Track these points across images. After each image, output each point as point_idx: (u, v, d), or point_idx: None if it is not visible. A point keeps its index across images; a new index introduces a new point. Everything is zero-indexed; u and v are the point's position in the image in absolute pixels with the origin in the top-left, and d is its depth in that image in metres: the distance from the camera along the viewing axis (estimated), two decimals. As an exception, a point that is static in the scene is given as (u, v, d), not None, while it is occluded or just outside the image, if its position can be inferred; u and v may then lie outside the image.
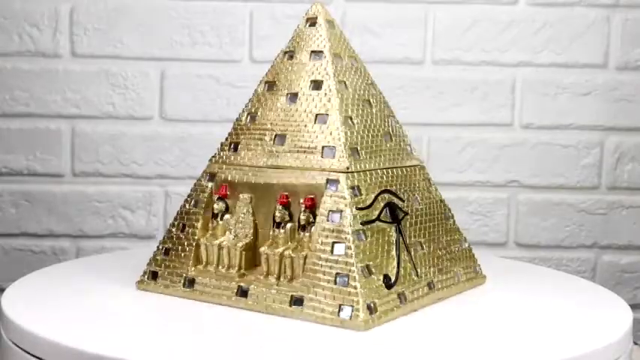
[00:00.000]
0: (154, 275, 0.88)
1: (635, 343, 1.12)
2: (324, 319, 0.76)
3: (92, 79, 1.34)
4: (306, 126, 0.85)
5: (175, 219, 0.90)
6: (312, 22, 0.90)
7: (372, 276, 0.78)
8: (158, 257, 0.89)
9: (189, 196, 0.90)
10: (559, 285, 0.98)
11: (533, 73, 1.36)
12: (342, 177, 0.81)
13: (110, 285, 0.90)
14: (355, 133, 0.84)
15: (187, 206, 0.89)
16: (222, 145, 0.90)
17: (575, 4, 1.36)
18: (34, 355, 0.72)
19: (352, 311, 0.75)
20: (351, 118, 0.85)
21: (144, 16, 1.34)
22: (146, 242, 1.36)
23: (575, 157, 1.38)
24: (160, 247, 0.89)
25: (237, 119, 0.90)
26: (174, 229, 0.89)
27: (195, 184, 0.90)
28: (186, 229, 0.88)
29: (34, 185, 1.35)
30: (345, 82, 0.87)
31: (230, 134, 0.90)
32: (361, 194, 0.81)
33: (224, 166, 0.88)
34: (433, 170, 1.37)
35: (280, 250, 0.82)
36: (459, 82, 1.36)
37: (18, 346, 0.74)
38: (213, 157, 0.90)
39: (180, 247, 0.88)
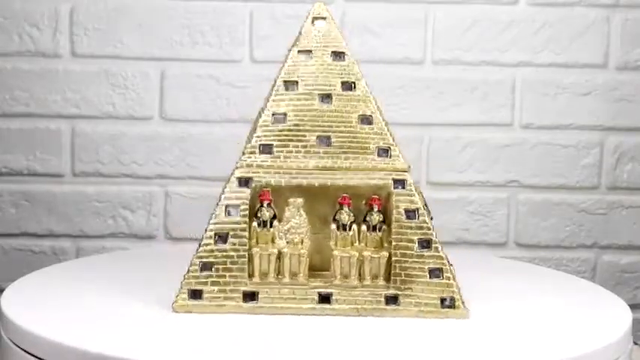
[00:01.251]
0: (197, 294, 0.81)
1: (635, 343, 1.12)
2: (425, 312, 0.82)
3: (92, 79, 1.34)
4: (352, 127, 0.86)
5: (209, 230, 0.83)
6: (320, 21, 0.90)
7: (452, 267, 0.84)
8: (197, 274, 0.81)
9: (223, 204, 0.83)
10: (559, 285, 0.98)
11: (533, 73, 1.36)
12: (407, 176, 0.85)
13: (110, 285, 0.90)
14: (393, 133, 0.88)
15: (224, 215, 0.83)
16: (248, 147, 0.85)
17: (575, 4, 1.36)
18: (33, 355, 0.72)
19: (454, 301, 0.82)
20: (384, 119, 0.88)
21: (144, 16, 1.34)
22: (146, 242, 1.36)
23: (575, 157, 1.37)
24: (197, 263, 0.82)
25: (260, 119, 0.87)
26: (211, 242, 0.82)
27: (226, 191, 0.84)
28: (231, 239, 0.82)
29: (34, 185, 1.35)
30: (367, 83, 0.89)
31: (257, 136, 0.85)
32: (418, 192, 0.86)
33: (261, 171, 0.84)
34: (433, 170, 1.37)
35: (356, 252, 0.83)
36: (459, 82, 1.36)
37: (18, 346, 0.74)
38: (242, 160, 0.85)
39: (228, 261, 0.82)
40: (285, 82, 0.87)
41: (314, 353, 0.72)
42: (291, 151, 0.85)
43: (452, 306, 0.82)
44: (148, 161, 1.35)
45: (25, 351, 0.73)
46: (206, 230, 0.82)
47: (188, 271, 0.82)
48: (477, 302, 0.87)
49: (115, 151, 1.35)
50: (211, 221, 0.82)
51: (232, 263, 0.81)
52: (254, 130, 0.86)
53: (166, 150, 1.35)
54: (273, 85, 0.88)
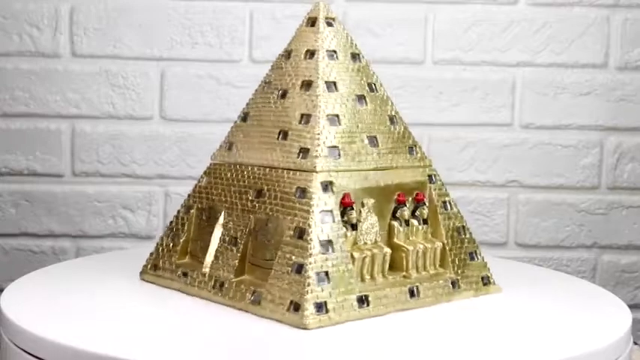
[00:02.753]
0: (321, 307, 0.76)
1: (635, 343, 1.12)
2: (477, 291, 0.90)
3: (92, 79, 1.34)
4: (387, 128, 0.89)
5: (313, 239, 0.77)
6: (329, 21, 0.90)
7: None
8: (314, 286, 0.75)
9: (318, 211, 0.79)
10: (559, 285, 0.98)
11: (533, 73, 1.36)
12: (435, 171, 0.92)
13: (110, 285, 0.90)
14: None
15: (321, 222, 0.78)
16: (316, 151, 0.81)
17: (575, 4, 1.36)
18: (33, 355, 0.72)
19: (489, 279, 0.92)
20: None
21: (144, 16, 1.34)
22: (146, 242, 1.36)
23: (575, 157, 1.38)
24: (313, 275, 0.76)
25: (332, 121, 0.84)
26: (319, 251, 0.77)
27: (315, 197, 0.79)
28: (336, 246, 0.78)
29: (34, 185, 1.35)
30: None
31: (325, 138, 0.82)
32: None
33: (337, 174, 0.82)
34: (433, 170, 1.37)
35: (423, 245, 0.87)
36: (459, 82, 1.36)
37: (17, 346, 0.74)
38: (318, 164, 0.80)
39: (340, 268, 0.78)
40: (326, 82, 0.86)
41: (438, 343, 0.74)
42: (354, 153, 0.84)
43: (488, 283, 0.91)
44: (148, 161, 1.35)
45: (25, 351, 0.73)
46: (309, 240, 0.77)
47: (307, 284, 0.76)
48: (477, 302, 0.87)
49: (115, 151, 1.35)
50: (311, 230, 0.78)
51: (344, 271, 0.78)
52: (314, 132, 0.83)
53: (166, 150, 1.35)
54: (310, 86, 0.85)
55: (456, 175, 1.37)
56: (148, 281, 0.91)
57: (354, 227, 0.82)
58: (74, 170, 1.35)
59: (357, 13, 1.34)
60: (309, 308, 0.75)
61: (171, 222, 0.93)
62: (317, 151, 0.82)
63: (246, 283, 0.82)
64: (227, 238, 0.86)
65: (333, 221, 0.79)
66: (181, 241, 0.91)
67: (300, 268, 0.76)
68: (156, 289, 0.89)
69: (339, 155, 0.83)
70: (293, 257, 0.78)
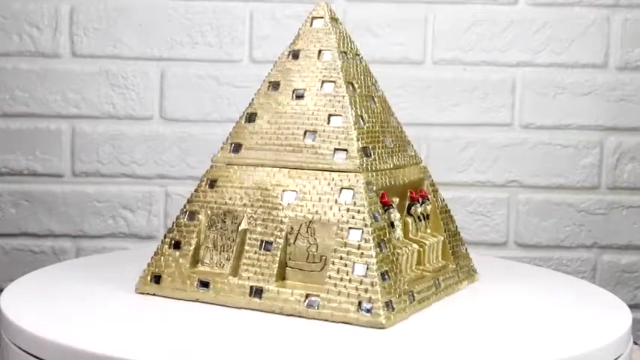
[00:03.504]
0: (388, 305, 0.76)
1: (635, 343, 1.12)
2: (468, 281, 0.95)
3: (92, 79, 1.34)
4: (392, 127, 0.91)
5: (370, 240, 0.77)
6: (333, 21, 0.90)
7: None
8: (380, 285, 0.76)
9: (367, 210, 0.79)
10: (559, 285, 0.98)
11: (533, 73, 1.36)
12: (426, 168, 0.96)
13: (110, 285, 0.90)
14: None
15: (373, 221, 0.79)
16: (353, 150, 0.82)
17: (575, 4, 1.36)
18: (33, 355, 0.72)
19: (474, 268, 0.98)
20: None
21: (144, 16, 1.34)
22: (146, 242, 1.36)
23: (575, 157, 1.38)
24: (378, 275, 0.76)
25: (359, 121, 0.84)
26: (375, 251, 0.77)
27: (357, 198, 0.79)
28: (388, 245, 0.80)
29: (34, 185, 1.35)
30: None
31: (358, 138, 0.82)
32: None
33: (375, 174, 0.83)
34: (433, 170, 1.37)
35: (432, 239, 0.90)
36: (459, 82, 1.36)
37: (18, 346, 0.74)
38: (359, 165, 0.81)
39: (393, 266, 0.79)
40: (347, 83, 0.86)
41: (438, 343, 0.74)
42: (379, 153, 0.85)
43: (474, 272, 0.97)
44: (148, 161, 1.35)
45: (24, 351, 0.73)
46: (366, 240, 0.78)
47: (374, 284, 0.76)
48: (476, 302, 0.87)
49: (115, 151, 1.35)
50: (366, 230, 0.78)
51: (396, 268, 0.79)
52: (348, 133, 0.83)
53: (166, 150, 1.35)
54: (332, 86, 0.85)
55: (456, 175, 1.37)
56: (148, 294, 0.85)
57: (391, 225, 0.84)
58: (74, 170, 1.35)
59: (357, 13, 1.34)
60: (381, 307, 0.75)
61: (170, 230, 0.87)
62: (354, 151, 0.82)
63: (291, 287, 0.80)
64: (257, 243, 0.82)
65: (381, 220, 0.80)
66: (192, 249, 0.85)
67: (361, 269, 0.77)
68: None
69: (370, 155, 0.83)
70: (351, 258, 0.77)
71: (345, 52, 0.88)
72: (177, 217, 0.88)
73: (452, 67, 1.36)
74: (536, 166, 1.37)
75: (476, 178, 1.37)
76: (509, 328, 0.79)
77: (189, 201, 0.88)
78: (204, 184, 0.87)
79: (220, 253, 0.85)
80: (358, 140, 0.82)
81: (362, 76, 0.89)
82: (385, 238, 0.79)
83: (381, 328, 0.75)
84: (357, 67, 0.89)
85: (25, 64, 1.34)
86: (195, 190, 0.88)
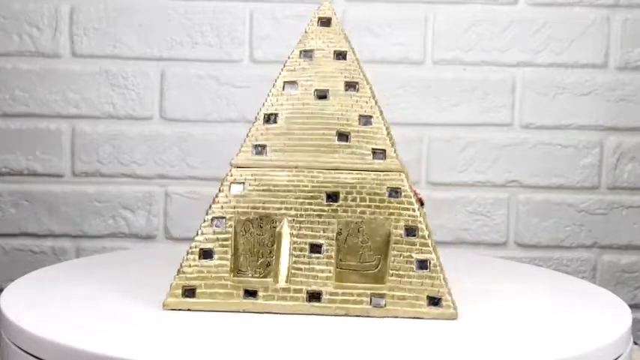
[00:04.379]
0: (450, 296, 0.80)
1: (635, 343, 1.12)
2: None
3: (92, 79, 1.34)
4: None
5: (425, 237, 0.82)
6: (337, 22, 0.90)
7: None
8: (445, 279, 0.80)
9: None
10: (559, 285, 0.98)
11: (533, 73, 1.36)
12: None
13: (110, 285, 0.90)
14: None
15: (423, 219, 0.83)
16: (395, 149, 0.85)
17: (575, 4, 1.36)
18: (33, 355, 0.72)
19: None
20: None
21: (144, 16, 1.34)
22: (146, 242, 1.36)
23: (575, 157, 1.37)
24: (441, 270, 0.81)
25: (385, 122, 0.86)
26: (430, 240, 0.82)
27: (406, 196, 0.83)
28: (432, 238, 0.84)
29: (34, 185, 1.35)
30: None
31: (389, 139, 0.86)
32: None
33: (401, 175, 0.85)
34: (433, 170, 1.37)
35: None
36: (459, 82, 1.36)
37: (18, 346, 0.74)
38: (401, 164, 0.85)
39: (439, 260, 0.83)
40: (369, 84, 0.88)
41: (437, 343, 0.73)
42: (396, 152, 0.86)
43: None
44: (148, 161, 1.35)
45: (24, 351, 0.73)
46: (425, 237, 0.81)
47: (441, 278, 0.80)
48: (477, 302, 0.87)
49: (115, 151, 1.35)
50: (421, 226, 0.82)
51: (438, 265, 0.82)
52: (382, 133, 0.85)
53: (166, 150, 1.35)
54: (356, 87, 0.87)
55: (456, 175, 1.37)
56: (180, 309, 0.80)
57: None
58: (74, 170, 1.35)
59: (357, 13, 1.34)
60: (450, 299, 0.79)
61: (195, 239, 0.83)
62: (393, 151, 0.84)
63: (352, 288, 0.81)
64: (307, 247, 0.82)
65: (424, 216, 0.84)
66: (229, 257, 0.82)
67: (424, 264, 0.80)
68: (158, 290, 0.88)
69: (398, 155, 0.86)
70: (412, 254, 0.80)
71: (354, 52, 0.89)
72: (203, 225, 0.83)
73: (452, 67, 1.36)
74: (536, 166, 1.37)
75: (476, 178, 1.37)
76: (509, 327, 0.79)
77: (213, 206, 0.84)
78: (227, 188, 0.84)
79: (258, 260, 0.82)
80: (390, 140, 0.85)
81: (360, 77, 0.89)
82: (431, 233, 0.83)
83: (452, 319, 0.79)
84: (356, 67, 0.89)
85: (25, 64, 1.34)
86: (218, 195, 0.84)
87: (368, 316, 0.79)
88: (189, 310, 0.80)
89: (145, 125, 1.35)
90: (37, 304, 0.82)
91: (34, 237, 1.36)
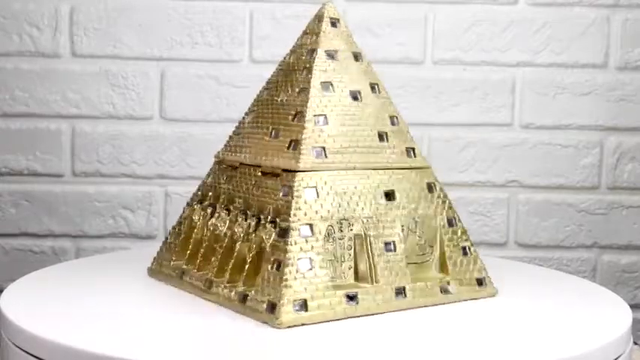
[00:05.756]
0: (482, 282, 0.89)
1: (635, 343, 1.12)
2: None
3: (92, 79, 1.34)
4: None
5: (460, 226, 0.89)
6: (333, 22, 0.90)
7: None
8: (480, 260, 0.89)
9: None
10: (559, 285, 0.98)
11: (533, 73, 1.36)
12: None
13: (110, 285, 0.90)
14: None
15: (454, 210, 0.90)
16: (415, 148, 0.89)
17: (575, 4, 1.36)
18: (33, 355, 0.72)
19: None
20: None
21: (144, 16, 1.34)
22: (146, 242, 1.36)
23: (575, 157, 1.38)
24: (475, 252, 0.90)
25: (399, 124, 0.89)
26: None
27: (440, 190, 0.89)
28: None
29: (34, 185, 1.35)
30: None
31: (409, 139, 0.89)
32: None
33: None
34: (433, 170, 1.37)
35: None
36: (459, 82, 1.36)
37: (17, 346, 0.74)
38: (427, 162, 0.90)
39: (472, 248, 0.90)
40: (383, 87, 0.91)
41: (437, 343, 0.72)
42: None
43: None
44: (148, 161, 1.35)
45: (25, 351, 0.73)
46: (460, 226, 0.89)
47: (477, 260, 0.89)
48: (477, 302, 0.87)
49: (115, 151, 1.35)
50: (455, 215, 0.89)
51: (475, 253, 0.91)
52: (409, 133, 0.90)
53: (166, 150, 1.35)
54: (376, 89, 0.88)
55: (456, 175, 1.37)
56: (295, 326, 0.74)
57: None
58: (74, 170, 1.35)
59: (357, 13, 1.34)
60: (490, 278, 0.90)
61: (288, 252, 0.76)
62: (418, 150, 0.90)
63: (424, 280, 0.85)
64: (382, 246, 0.82)
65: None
66: (327, 264, 0.78)
67: (467, 250, 0.89)
68: (159, 289, 0.88)
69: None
70: (458, 243, 0.88)
71: (359, 54, 0.91)
72: (289, 234, 0.77)
73: (452, 67, 1.36)
74: (536, 166, 1.37)
75: (476, 178, 1.37)
76: (509, 327, 0.79)
77: (289, 213, 0.78)
78: (299, 192, 0.79)
79: (342, 264, 0.80)
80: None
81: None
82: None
83: (493, 296, 0.89)
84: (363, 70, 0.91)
85: (25, 64, 1.34)
86: (291, 202, 0.79)
87: (441, 304, 0.84)
88: (303, 324, 0.75)
89: (145, 125, 1.35)
90: (37, 304, 0.82)
91: (34, 237, 1.36)
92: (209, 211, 0.89)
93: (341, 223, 0.80)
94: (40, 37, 1.33)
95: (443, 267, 0.87)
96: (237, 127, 0.93)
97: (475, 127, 1.37)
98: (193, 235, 0.89)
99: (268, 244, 0.78)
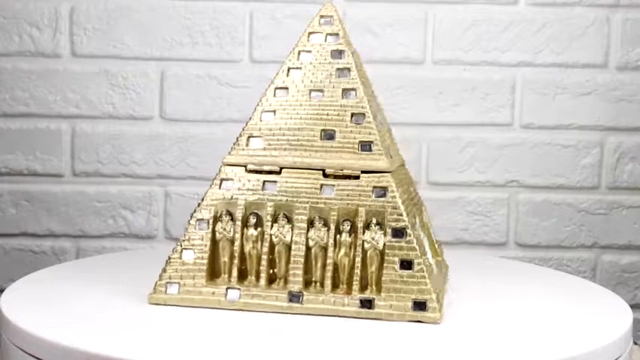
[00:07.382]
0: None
1: (635, 343, 1.12)
2: None
3: (92, 79, 1.34)
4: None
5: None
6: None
7: None
8: None
9: None
10: (559, 285, 0.98)
11: (533, 73, 1.36)
12: None
13: (110, 285, 0.90)
14: None
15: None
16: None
17: (575, 4, 1.36)
18: (33, 356, 0.72)
19: None
20: None
21: (144, 16, 1.34)
22: (146, 242, 1.36)
23: (575, 157, 1.37)
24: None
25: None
26: None
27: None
28: None
29: (34, 185, 1.35)
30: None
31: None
32: None
33: None
34: (433, 170, 1.37)
35: None
36: (459, 82, 1.36)
37: (17, 347, 0.74)
38: None
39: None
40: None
41: (437, 342, 0.72)
42: None
43: None
44: (148, 161, 1.35)
45: (24, 351, 0.73)
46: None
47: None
48: (477, 302, 0.87)
49: (115, 151, 1.35)
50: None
51: None
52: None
53: (166, 150, 1.35)
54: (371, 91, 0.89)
55: (455, 176, 1.37)
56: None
57: None
58: (74, 170, 1.35)
59: (357, 13, 1.34)
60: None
61: (414, 251, 0.79)
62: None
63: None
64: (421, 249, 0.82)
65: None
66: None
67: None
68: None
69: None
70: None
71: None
72: (406, 233, 0.79)
73: (452, 67, 1.36)
74: (536, 166, 1.37)
75: (476, 178, 1.37)
76: (509, 327, 0.79)
77: (399, 213, 0.79)
78: (393, 193, 0.79)
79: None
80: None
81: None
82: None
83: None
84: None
85: (25, 64, 1.34)
86: (395, 201, 0.79)
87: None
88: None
89: (145, 125, 1.35)
90: (37, 304, 0.82)
91: (34, 237, 1.36)
92: (252, 221, 0.81)
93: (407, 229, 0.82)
94: (40, 37, 1.33)
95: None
96: (252, 129, 0.86)
97: (475, 127, 1.37)
98: (235, 250, 0.82)
99: (379, 246, 0.78)
